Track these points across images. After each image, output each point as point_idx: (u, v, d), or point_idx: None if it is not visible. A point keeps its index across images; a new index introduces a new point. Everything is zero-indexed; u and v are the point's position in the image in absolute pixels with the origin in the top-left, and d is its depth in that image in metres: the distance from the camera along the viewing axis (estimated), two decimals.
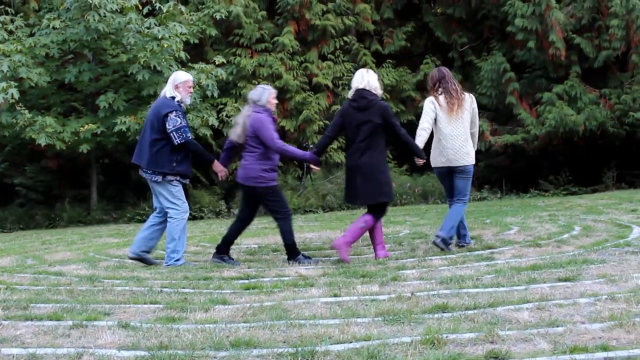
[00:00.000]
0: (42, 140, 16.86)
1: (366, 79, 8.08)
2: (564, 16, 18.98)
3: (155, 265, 8.43)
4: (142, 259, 8.50)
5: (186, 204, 8.37)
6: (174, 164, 8.17)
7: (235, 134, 8.28)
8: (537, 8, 19.02)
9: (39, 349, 4.49)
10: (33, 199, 21.00)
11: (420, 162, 8.44)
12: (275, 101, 8.46)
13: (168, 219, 8.29)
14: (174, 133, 8.05)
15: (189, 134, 8.15)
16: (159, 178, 8.19)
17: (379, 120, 7.92)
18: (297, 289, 6.29)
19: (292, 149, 8.66)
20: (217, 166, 8.54)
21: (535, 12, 19.12)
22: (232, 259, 8.46)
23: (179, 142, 8.08)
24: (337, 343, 4.35)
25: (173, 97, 8.26)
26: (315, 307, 5.47)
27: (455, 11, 21.81)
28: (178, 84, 8.32)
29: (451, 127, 8.48)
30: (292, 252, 8.25)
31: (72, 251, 10.77)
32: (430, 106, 8.51)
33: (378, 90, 8.16)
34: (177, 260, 8.24)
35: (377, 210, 8.19)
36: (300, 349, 4.19)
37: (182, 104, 8.32)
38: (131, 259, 8.57)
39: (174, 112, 8.09)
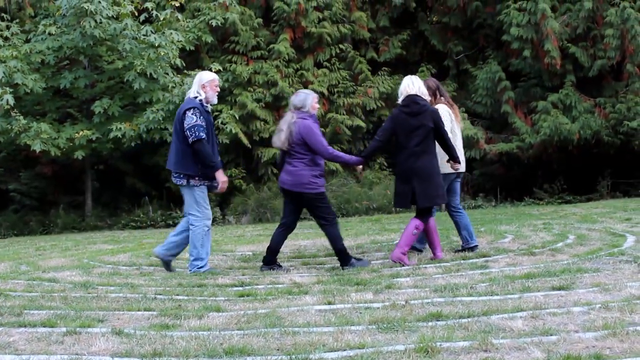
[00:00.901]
0: (37, 147, 16.85)
1: (417, 85, 8.27)
2: (559, 25, 19.03)
3: (174, 272, 8.36)
4: (166, 263, 8.43)
5: (209, 210, 8.28)
6: (199, 166, 8.09)
7: (279, 140, 8.18)
8: (533, 17, 19.08)
9: (32, 355, 4.48)
10: (27, 205, 20.96)
11: (457, 167, 8.56)
12: (318, 105, 8.53)
13: (190, 226, 8.21)
14: (187, 132, 7.97)
15: (201, 134, 7.95)
16: (184, 181, 8.11)
17: (432, 125, 8.09)
18: (291, 297, 6.29)
19: (341, 154, 8.70)
20: (221, 176, 8.29)
21: (530, 21, 19.17)
22: (281, 266, 8.38)
23: (191, 140, 7.97)
24: (331, 351, 4.35)
25: (196, 97, 8.18)
26: (309, 315, 5.47)
27: (451, 20, 21.85)
28: (204, 83, 8.23)
29: (460, 134, 8.92)
30: (344, 259, 8.18)
31: (66, 257, 10.74)
32: (447, 116, 8.72)
33: (426, 96, 8.34)
34: (201, 267, 8.17)
35: (425, 213, 8.30)
36: (294, 356, 4.20)
37: (207, 104, 8.25)
38: (157, 257, 8.51)
39: (192, 109, 8.00)
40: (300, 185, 8.08)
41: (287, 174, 8.18)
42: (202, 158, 8.03)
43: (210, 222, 8.33)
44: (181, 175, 8.11)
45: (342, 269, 7.99)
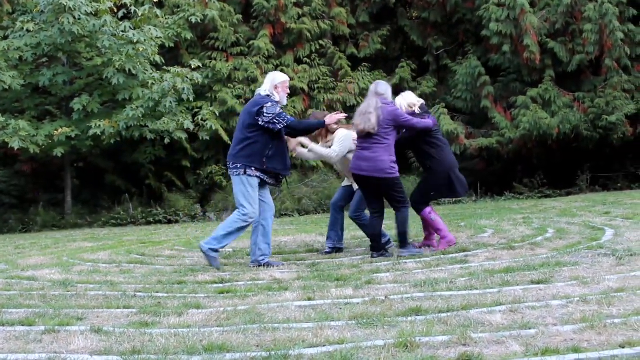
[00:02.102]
0: (16, 144, 16.74)
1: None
2: (538, 20, 19.11)
3: (282, 265, 8.24)
4: (267, 264, 8.30)
5: (256, 210, 8.20)
6: (264, 159, 8.10)
7: (369, 123, 8.16)
8: (512, 12, 19.15)
9: (10, 354, 4.46)
10: (6, 203, 20.81)
11: None
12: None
13: (237, 212, 8.19)
14: (275, 119, 8.00)
15: (289, 117, 8.16)
16: (241, 172, 8.10)
17: None
18: (272, 293, 6.29)
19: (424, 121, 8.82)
20: (329, 119, 8.51)
21: (509, 17, 19.24)
22: (387, 251, 8.50)
23: (282, 125, 8.03)
24: (311, 347, 4.36)
25: (268, 95, 8.21)
26: (289, 311, 5.46)
27: (431, 15, 21.88)
28: (277, 84, 8.29)
29: None
30: (404, 241, 8.40)
31: (45, 256, 10.68)
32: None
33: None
34: (214, 250, 8.13)
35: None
36: (273, 352, 4.19)
37: (278, 104, 8.28)
38: (262, 265, 8.29)
39: (269, 102, 8.08)
40: (382, 170, 8.16)
41: (364, 160, 8.21)
42: (309, 129, 8.49)
43: (252, 221, 8.26)
44: (238, 167, 8.12)
45: (399, 251, 8.36)
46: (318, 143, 9.09)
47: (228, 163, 8.29)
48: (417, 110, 8.79)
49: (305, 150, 8.92)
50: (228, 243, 8.37)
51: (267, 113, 8.02)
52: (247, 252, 9.72)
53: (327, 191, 18.83)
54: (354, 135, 8.76)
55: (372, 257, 8.33)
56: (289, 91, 8.52)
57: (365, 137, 8.24)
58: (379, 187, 8.32)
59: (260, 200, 8.30)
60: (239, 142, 8.21)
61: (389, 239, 8.99)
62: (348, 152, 8.89)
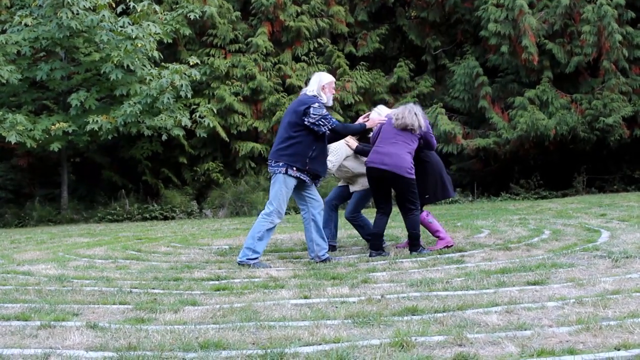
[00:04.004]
0: (13, 138, 16.73)
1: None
2: (536, 22, 19.12)
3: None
4: (327, 259, 8.22)
5: (282, 212, 8.20)
6: (306, 160, 8.07)
7: (417, 122, 8.31)
8: (510, 13, 19.16)
9: (5, 349, 4.45)
10: (2, 198, 20.79)
11: None
12: None
13: (261, 214, 8.19)
14: (321, 120, 7.98)
15: (335, 120, 8.13)
16: (282, 170, 8.06)
17: None
18: (268, 291, 6.29)
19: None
20: (370, 123, 8.51)
21: (508, 17, 19.26)
22: (385, 251, 8.49)
23: (328, 128, 8.02)
24: (307, 345, 4.36)
25: (315, 96, 8.18)
26: (285, 309, 5.46)
27: (429, 15, 21.90)
28: (324, 85, 8.27)
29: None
30: (416, 244, 8.41)
31: (41, 250, 10.67)
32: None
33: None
34: (253, 259, 8.05)
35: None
36: (269, 350, 4.19)
37: (324, 105, 8.25)
38: (320, 260, 8.20)
39: (316, 103, 8.05)
40: (403, 169, 8.20)
41: (386, 155, 8.23)
42: (347, 133, 8.50)
43: (279, 221, 8.25)
44: (279, 165, 8.09)
45: (410, 253, 8.33)
46: None
47: (270, 160, 8.23)
48: None
49: None
50: (264, 247, 8.31)
51: (313, 114, 7.98)
52: None
53: (324, 189, 18.79)
54: (349, 142, 8.97)
55: (370, 255, 8.33)
56: (334, 92, 8.54)
57: (392, 133, 8.30)
58: (395, 184, 8.34)
59: (309, 197, 8.29)
60: (283, 140, 8.15)
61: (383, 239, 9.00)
62: (345, 159, 8.97)
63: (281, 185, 8.09)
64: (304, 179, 8.13)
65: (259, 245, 8.11)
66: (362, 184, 9.08)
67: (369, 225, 9.08)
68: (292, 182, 8.11)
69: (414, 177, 8.29)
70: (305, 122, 7.99)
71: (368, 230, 9.02)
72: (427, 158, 8.76)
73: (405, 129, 8.30)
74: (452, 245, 8.68)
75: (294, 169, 8.05)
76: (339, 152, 8.99)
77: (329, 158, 8.75)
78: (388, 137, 8.33)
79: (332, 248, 9.13)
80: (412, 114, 8.32)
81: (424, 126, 8.43)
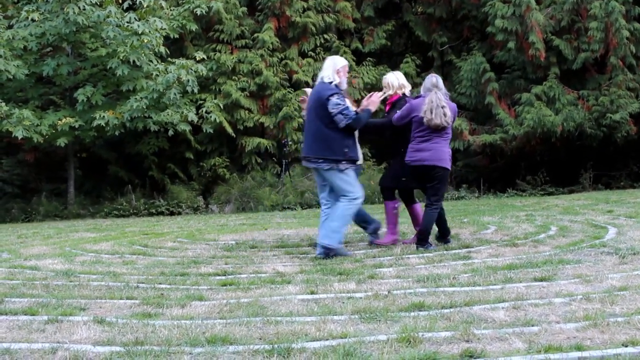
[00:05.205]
0: (19, 133, 16.75)
1: None
2: (543, 18, 19.08)
3: (350, 256, 8.15)
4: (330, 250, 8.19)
5: (361, 190, 8.27)
6: (345, 150, 8.08)
7: (447, 117, 8.22)
8: (517, 9, 19.12)
9: (13, 344, 4.46)
10: (9, 193, 20.85)
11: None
12: None
13: (341, 203, 8.15)
14: (339, 116, 7.98)
15: (353, 113, 8.08)
16: (333, 165, 8.08)
17: None
18: (274, 286, 6.28)
19: None
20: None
21: (515, 13, 19.22)
22: (432, 244, 8.51)
23: (345, 123, 8.00)
24: (313, 340, 4.35)
25: (331, 82, 8.18)
26: (291, 304, 5.46)
27: (436, 11, 21.87)
28: (339, 69, 8.25)
29: None
30: (424, 240, 8.37)
31: (48, 245, 10.69)
32: None
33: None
34: (339, 242, 8.09)
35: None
36: (276, 345, 4.19)
37: (340, 89, 8.25)
38: (328, 248, 8.11)
39: (335, 95, 8.03)
40: (443, 160, 8.26)
41: (426, 150, 8.25)
42: (361, 125, 8.24)
43: (360, 201, 8.28)
44: (327, 161, 8.07)
45: (417, 249, 8.32)
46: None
47: (314, 158, 8.18)
48: (407, 93, 8.97)
49: None
50: (345, 230, 8.38)
51: (334, 105, 7.99)
52: (249, 244, 9.73)
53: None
54: None
55: (417, 249, 8.35)
56: (347, 76, 8.49)
57: (425, 130, 8.26)
58: (433, 177, 8.34)
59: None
60: (319, 135, 8.13)
61: (379, 224, 9.11)
62: None
63: (339, 177, 8.13)
64: (347, 167, 8.15)
65: (343, 229, 8.22)
66: None
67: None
68: (344, 166, 8.14)
69: (450, 169, 8.45)
70: (330, 112, 8.02)
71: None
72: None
73: (437, 129, 8.25)
74: (394, 244, 8.77)
75: (339, 160, 8.07)
76: None
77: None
78: (424, 131, 8.28)
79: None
80: (439, 110, 8.17)
81: (453, 112, 8.39)
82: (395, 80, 8.93)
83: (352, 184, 8.18)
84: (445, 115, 8.17)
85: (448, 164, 8.34)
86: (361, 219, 9.13)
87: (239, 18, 21.04)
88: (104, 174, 21.29)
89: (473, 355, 3.96)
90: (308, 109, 8.36)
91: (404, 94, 8.89)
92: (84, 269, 7.82)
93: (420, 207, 9.13)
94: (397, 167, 8.91)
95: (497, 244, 8.47)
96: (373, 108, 8.38)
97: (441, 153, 8.24)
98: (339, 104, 7.99)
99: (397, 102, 8.86)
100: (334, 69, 8.24)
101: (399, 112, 8.56)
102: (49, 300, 5.83)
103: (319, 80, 8.39)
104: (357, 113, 8.16)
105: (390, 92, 8.91)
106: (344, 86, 8.32)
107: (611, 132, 18.84)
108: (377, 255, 8.05)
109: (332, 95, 8.00)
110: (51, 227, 14.89)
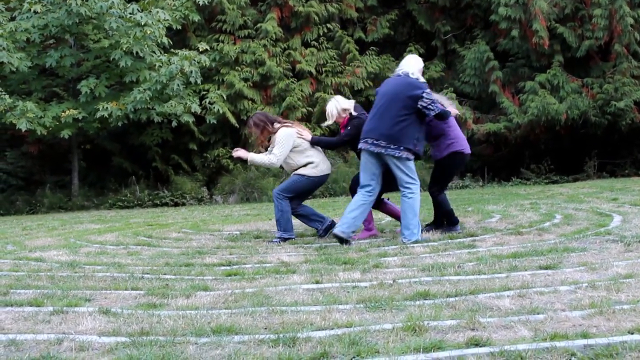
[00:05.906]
0: (23, 126, 16.76)
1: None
2: (547, 5, 19.02)
3: (349, 244, 8.19)
4: (346, 240, 8.24)
5: (418, 180, 8.43)
6: (415, 141, 8.17)
7: (455, 109, 8.93)
8: None
9: (19, 335, 4.46)
10: (13, 185, 20.89)
11: None
12: None
13: (408, 195, 8.21)
14: (431, 105, 8.11)
15: (439, 106, 8.29)
16: (403, 154, 8.13)
17: None
18: (279, 276, 6.28)
19: None
20: (453, 110, 8.92)
21: (518, 1, 19.17)
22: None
23: (434, 112, 8.15)
24: (319, 329, 4.35)
25: (417, 79, 8.33)
26: (296, 294, 5.46)
27: None
28: (421, 67, 8.51)
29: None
30: (454, 222, 8.87)
31: (52, 237, 10.70)
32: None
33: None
34: (420, 234, 8.22)
35: None
36: (281, 335, 4.19)
37: None
38: (336, 236, 8.20)
39: (427, 89, 8.26)
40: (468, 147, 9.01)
41: (463, 139, 8.92)
42: (446, 117, 8.50)
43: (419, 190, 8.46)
44: (399, 149, 8.12)
45: (451, 232, 8.70)
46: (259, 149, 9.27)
47: (385, 143, 8.16)
48: (353, 112, 8.93)
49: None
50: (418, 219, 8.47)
51: (426, 98, 8.12)
52: (254, 234, 9.74)
53: (333, 175, 18.82)
54: (300, 131, 9.08)
55: (445, 232, 8.67)
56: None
57: (449, 120, 8.71)
58: (464, 164, 9.34)
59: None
60: (396, 123, 8.17)
61: (332, 221, 9.09)
62: (292, 150, 8.97)
63: (406, 165, 8.21)
64: (411, 158, 8.23)
65: (417, 218, 8.25)
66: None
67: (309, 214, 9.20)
68: (405, 155, 8.18)
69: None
70: (418, 105, 8.09)
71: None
72: None
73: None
74: (366, 238, 8.78)
75: (406, 150, 8.12)
76: (286, 143, 8.94)
77: (273, 151, 8.96)
78: (449, 123, 8.76)
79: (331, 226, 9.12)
80: (444, 100, 8.81)
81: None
82: (335, 109, 8.95)
83: (414, 174, 8.29)
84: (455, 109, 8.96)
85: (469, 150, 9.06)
86: (309, 218, 9.27)
87: (241, 8, 21.00)
88: (107, 165, 21.32)
89: (479, 343, 3.95)
90: (385, 97, 8.35)
91: (350, 114, 8.92)
92: (89, 260, 7.83)
93: (390, 202, 9.18)
94: None
95: (502, 233, 8.46)
96: (453, 114, 8.76)
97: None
98: (431, 96, 8.22)
99: (349, 123, 8.94)
100: (419, 68, 8.45)
101: (349, 131, 8.81)
102: (54, 291, 5.83)
103: (403, 73, 8.42)
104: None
105: (331, 122, 9.06)
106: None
107: (615, 119, 18.81)
108: (381, 245, 8.05)
109: (425, 89, 8.21)
110: (56, 219, 14.91)
